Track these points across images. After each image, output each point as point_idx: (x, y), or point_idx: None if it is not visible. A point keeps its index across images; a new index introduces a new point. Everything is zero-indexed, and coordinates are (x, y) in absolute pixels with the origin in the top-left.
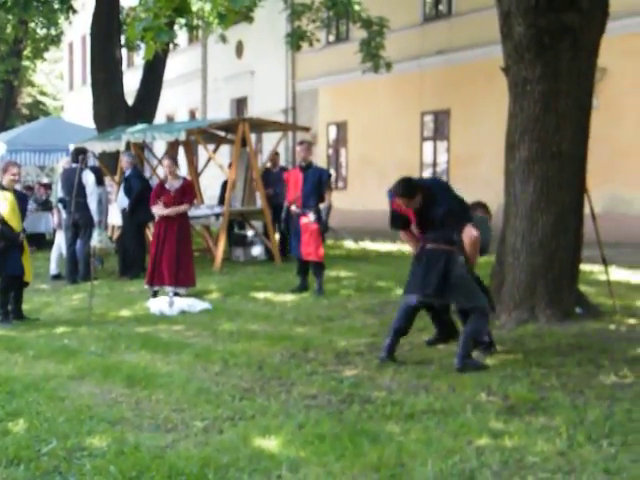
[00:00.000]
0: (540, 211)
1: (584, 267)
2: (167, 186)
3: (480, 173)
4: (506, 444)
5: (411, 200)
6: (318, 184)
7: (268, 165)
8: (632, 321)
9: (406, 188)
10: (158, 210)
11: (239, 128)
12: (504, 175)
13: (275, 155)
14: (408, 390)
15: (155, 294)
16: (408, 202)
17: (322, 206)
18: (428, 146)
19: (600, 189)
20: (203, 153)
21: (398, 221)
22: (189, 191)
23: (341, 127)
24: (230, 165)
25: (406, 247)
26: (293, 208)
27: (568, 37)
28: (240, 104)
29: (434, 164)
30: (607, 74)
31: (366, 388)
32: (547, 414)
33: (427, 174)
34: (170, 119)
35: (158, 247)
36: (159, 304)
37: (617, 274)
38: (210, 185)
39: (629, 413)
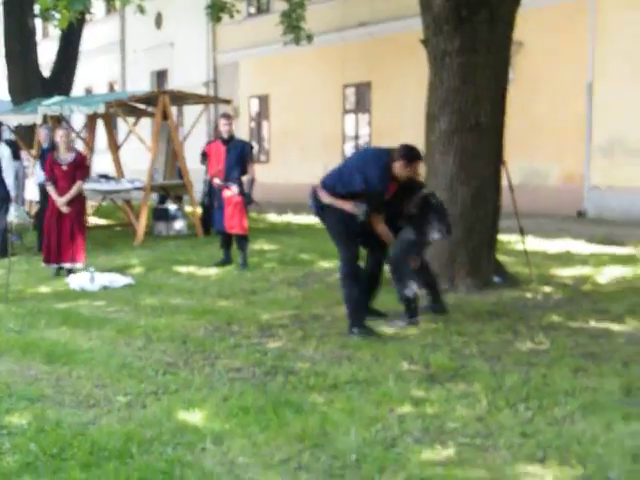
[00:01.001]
0: (460, 182)
1: (502, 237)
2: (60, 159)
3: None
4: (427, 411)
5: None
6: (241, 157)
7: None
8: (547, 289)
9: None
10: (54, 196)
11: (159, 101)
12: (424, 147)
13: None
14: (332, 361)
15: (58, 272)
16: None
17: (245, 179)
18: (350, 119)
19: (517, 161)
20: (123, 126)
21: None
22: (82, 166)
23: (263, 100)
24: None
25: None
26: (216, 181)
27: (485, 9)
28: (160, 77)
29: (356, 136)
30: (523, 47)
31: (290, 360)
32: (466, 381)
33: (349, 147)
34: (89, 92)
35: (52, 224)
36: (79, 280)
37: (533, 244)
38: (130, 158)
39: (544, 378)
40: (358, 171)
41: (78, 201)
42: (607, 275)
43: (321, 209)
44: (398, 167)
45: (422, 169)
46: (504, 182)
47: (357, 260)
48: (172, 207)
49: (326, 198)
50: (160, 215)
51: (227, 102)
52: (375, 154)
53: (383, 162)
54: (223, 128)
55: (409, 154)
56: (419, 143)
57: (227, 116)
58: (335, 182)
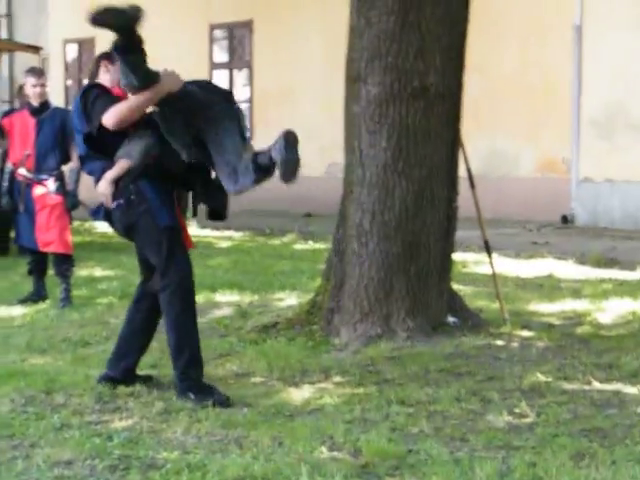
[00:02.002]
0: (397, 174)
1: (457, 256)
2: None
3: (298, 117)
4: None
5: None
6: (61, 135)
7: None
8: (526, 333)
9: None
10: None
11: None
12: (344, 122)
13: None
14: (212, 447)
15: None
16: None
17: (68, 168)
18: (221, 76)
19: (474, 141)
20: None
21: None
22: None
23: (86, 46)
24: None
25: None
26: (22, 172)
27: None
28: None
29: None
30: None
31: (147, 447)
32: (418, 474)
33: None
34: None
35: None
36: None
37: (502, 265)
38: None
39: (533, 468)
40: None
41: None
42: (611, 312)
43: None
44: None
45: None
46: (461, 173)
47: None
48: None
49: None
50: None
51: (34, 49)
52: None
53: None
54: (32, 91)
55: None
56: (328, 114)
57: (38, 72)
58: None
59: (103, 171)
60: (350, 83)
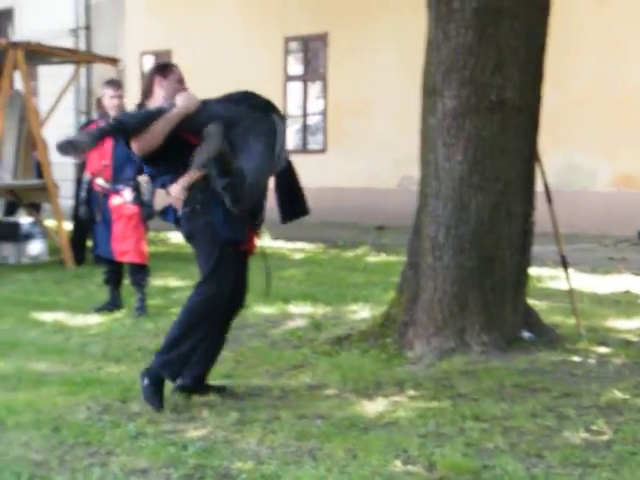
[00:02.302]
0: (473, 188)
1: (531, 270)
2: None
3: (372, 129)
4: None
5: None
6: None
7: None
8: (604, 350)
9: None
10: None
11: (9, 58)
12: (420, 135)
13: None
14: (286, 458)
15: None
16: None
17: (144, 179)
18: (295, 89)
19: (549, 156)
20: None
21: None
22: None
23: (162, 58)
24: None
25: (278, 245)
26: (99, 183)
27: None
28: (2, 20)
29: (304, 114)
30: None
31: (222, 457)
32: None
33: (293, 129)
34: None
35: None
36: None
37: (578, 281)
38: None
39: None
40: None
41: None
42: None
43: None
44: None
45: None
46: (538, 187)
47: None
48: (26, 221)
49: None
50: (7, 233)
51: (112, 61)
52: None
53: None
54: (110, 102)
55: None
56: (401, 126)
57: (116, 84)
58: None
59: (172, 181)
60: (426, 96)
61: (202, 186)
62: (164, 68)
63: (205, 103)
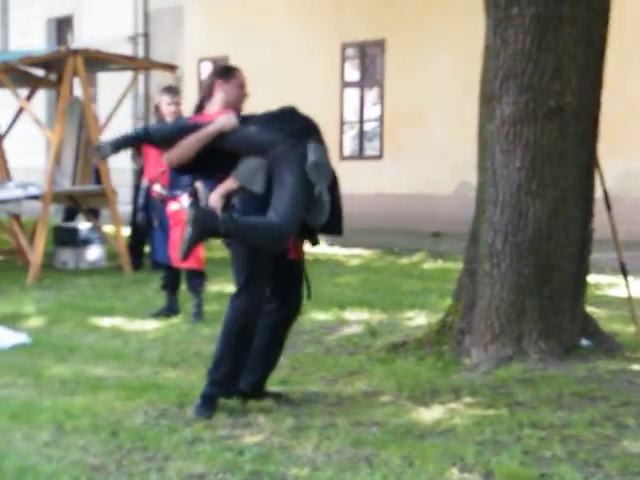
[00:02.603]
0: (531, 195)
1: (590, 278)
2: None
3: (429, 136)
4: None
5: None
6: None
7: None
8: None
9: None
10: None
11: (69, 65)
12: (477, 141)
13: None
14: (342, 465)
15: None
16: None
17: (200, 184)
18: (352, 95)
19: (608, 162)
20: (10, 102)
21: None
22: None
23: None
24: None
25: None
26: (157, 189)
27: None
28: (62, 27)
29: (361, 121)
30: None
31: (278, 462)
32: None
33: (350, 135)
34: None
35: None
36: None
37: (636, 288)
38: (20, 151)
39: None
40: None
41: None
42: None
43: None
44: None
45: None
46: (597, 194)
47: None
48: (85, 227)
49: None
50: (66, 238)
51: (170, 68)
52: None
53: None
54: (167, 109)
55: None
56: (459, 133)
57: (173, 91)
58: None
59: (213, 186)
60: (484, 103)
61: (239, 195)
62: (226, 72)
63: (244, 120)
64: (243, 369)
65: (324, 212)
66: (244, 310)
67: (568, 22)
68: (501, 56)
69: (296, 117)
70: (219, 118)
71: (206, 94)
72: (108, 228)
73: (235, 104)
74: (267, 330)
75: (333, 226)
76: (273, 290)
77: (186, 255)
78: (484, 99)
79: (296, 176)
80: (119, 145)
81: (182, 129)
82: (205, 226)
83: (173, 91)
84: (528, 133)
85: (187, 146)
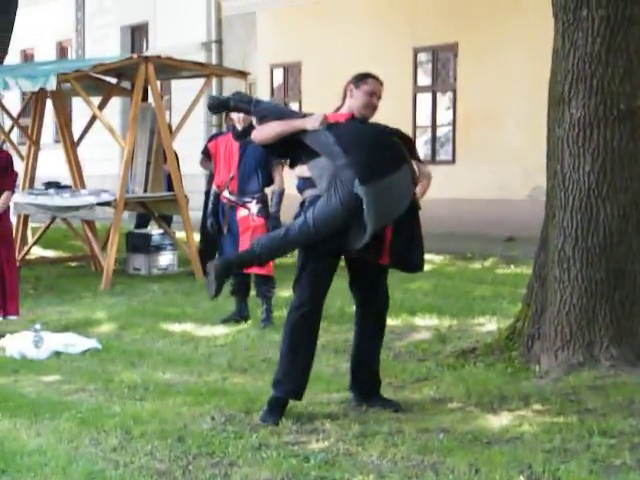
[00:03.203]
0: (602, 199)
1: None
2: None
3: (502, 140)
4: None
5: None
6: (263, 158)
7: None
8: None
9: None
10: None
11: (139, 72)
12: (547, 145)
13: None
14: (408, 472)
15: None
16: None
17: (270, 191)
18: (424, 99)
19: None
20: (83, 110)
21: None
22: (9, 170)
23: (292, 70)
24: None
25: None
26: (226, 195)
27: None
28: (137, 35)
29: (433, 125)
30: None
31: (344, 469)
32: None
33: (422, 140)
34: (28, 57)
35: None
36: (19, 342)
37: None
38: (96, 158)
39: None
40: None
41: (5, 228)
42: None
43: None
44: None
45: None
46: None
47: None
48: (157, 233)
49: None
50: (138, 245)
51: (242, 74)
52: None
53: None
54: (236, 115)
55: None
56: (532, 137)
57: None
58: None
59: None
60: (553, 106)
61: (310, 195)
62: (359, 78)
63: (332, 127)
64: (304, 368)
65: (359, 238)
66: (294, 307)
67: (638, 24)
68: (570, 59)
69: (379, 144)
70: (309, 117)
71: (342, 97)
72: (180, 234)
73: (358, 110)
74: (358, 329)
75: (413, 261)
76: (363, 292)
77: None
78: (553, 102)
79: (340, 196)
80: (236, 100)
81: (280, 113)
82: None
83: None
84: (598, 136)
85: (272, 128)
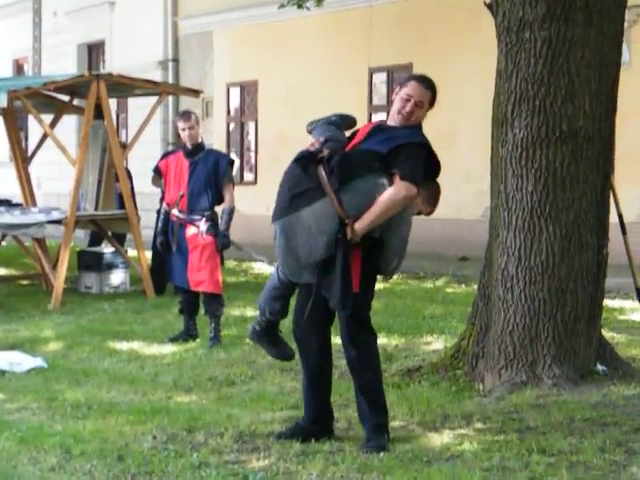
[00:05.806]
0: (544, 219)
1: (607, 302)
2: None
3: (456, 160)
4: None
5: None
6: (213, 176)
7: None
8: None
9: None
10: None
11: (91, 89)
12: (490, 165)
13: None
14: None
15: None
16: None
17: (221, 209)
18: (379, 119)
19: (629, 187)
20: (35, 128)
21: None
22: None
23: (248, 90)
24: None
25: None
26: (175, 213)
27: None
28: (93, 52)
29: None
30: None
31: None
32: None
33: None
34: None
35: None
36: None
37: None
38: (46, 176)
39: None
40: None
41: None
42: None
43: None
44: None
45: None
46: (612, 219)
47: None
48: (108, 251)
49: None
50: (89, 263)
51: (194, 93)
52: None
53: None
54: (182, 134)
55: None
56: (487, 158)
57: (185, 116)
58: None
59: None
60: (497, 126)
61: None
62: (406, 79)
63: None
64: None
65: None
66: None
67: (580, 46)
68: (513, 80)
69: (292, 180)
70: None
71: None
72: (133, 252)
73: (392, 115)
74: None
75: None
76: None
77: None
78: (497, 122)
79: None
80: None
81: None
82: None
83: (185, 116)
84: (540, 157)
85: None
